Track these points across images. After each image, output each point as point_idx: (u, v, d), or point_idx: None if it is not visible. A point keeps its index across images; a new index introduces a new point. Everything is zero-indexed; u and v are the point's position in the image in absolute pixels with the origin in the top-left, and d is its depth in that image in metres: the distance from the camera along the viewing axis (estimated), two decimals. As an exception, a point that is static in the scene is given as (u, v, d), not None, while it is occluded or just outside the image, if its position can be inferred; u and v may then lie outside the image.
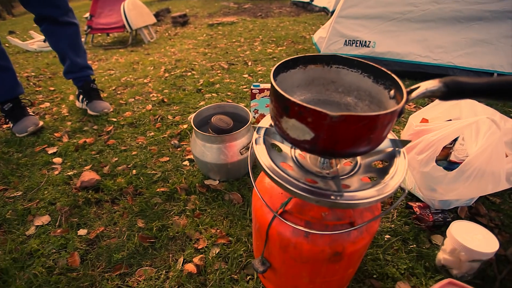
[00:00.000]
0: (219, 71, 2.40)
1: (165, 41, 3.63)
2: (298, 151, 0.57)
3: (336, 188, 0.43)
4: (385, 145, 0.53)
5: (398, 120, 0.46)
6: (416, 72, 2.00)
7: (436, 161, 1.05)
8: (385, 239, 0.90)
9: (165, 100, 1.91)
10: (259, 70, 2.36)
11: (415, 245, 0.88)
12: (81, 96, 1.77)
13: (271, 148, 0.53)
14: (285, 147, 0.58)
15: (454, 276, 0.80)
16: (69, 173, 1.24)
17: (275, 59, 2.64)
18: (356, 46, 2.09)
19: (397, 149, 0.52)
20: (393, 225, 0.94)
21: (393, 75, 0.47)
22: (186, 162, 1.29)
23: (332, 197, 0.42)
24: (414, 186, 1.00)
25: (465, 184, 0.82)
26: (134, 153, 1.37)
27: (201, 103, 1.84)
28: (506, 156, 0.85)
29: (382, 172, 0.49)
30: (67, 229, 0.98)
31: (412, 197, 1.04)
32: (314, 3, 5.02)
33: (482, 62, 1.82)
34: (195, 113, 1.11)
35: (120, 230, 0.97)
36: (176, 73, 2.39)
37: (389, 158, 0.51)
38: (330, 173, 0.52)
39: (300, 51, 2.81)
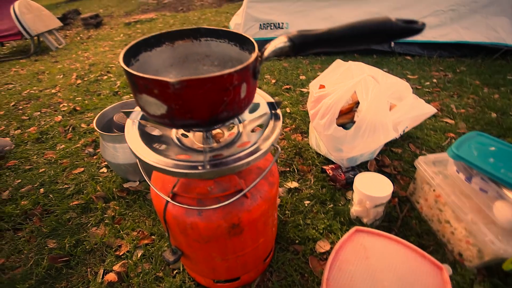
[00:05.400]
0: (138, 70, 2.25)
1: (77, 45, 3.28)
2: (181, 131, 0.55)
3: (205, 158, 0.43)
4: (264, 110, 0.54)
5: (257, 79, 0.46)
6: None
7: (345, 124, 1.13)
8: (305, 204, 0.95)
9: (78, 108, 1.73)
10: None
11: (332, 205, 0.95)
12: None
13: (146, 133, 0.51)
14: (168, 130, 0.56)
15: (365, 224, 0.88)
16: (-45, 208, 1.05)
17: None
18: (271, 29, 2.14)
19: (273, 111, 0.54)
20: (312, 191, 0.99)
21: (250, 38, 0.47)
22: (104, 169, 1.19)
23: (200, 167, 0.41)
24: (327, 150, 1.06)
25: (362, 139, 0.90)
26: (41, 170, 1.21)
27: (119, 106, 1.70)
28: (391, 108, 0.96)
29: (259, 137, 0.50)
30: (-46, 272, 0.83)
31: (328, 161, 1.12)
32: (234, -8, 5.00)
33: (381, 32, 2.01)
34: (97, 115, 1.02)
35: (27, 257, 0.86)
36: (90, 79, 2.19)
37: (266, 122, 0.52)
38: (212, 147, 0.51)
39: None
